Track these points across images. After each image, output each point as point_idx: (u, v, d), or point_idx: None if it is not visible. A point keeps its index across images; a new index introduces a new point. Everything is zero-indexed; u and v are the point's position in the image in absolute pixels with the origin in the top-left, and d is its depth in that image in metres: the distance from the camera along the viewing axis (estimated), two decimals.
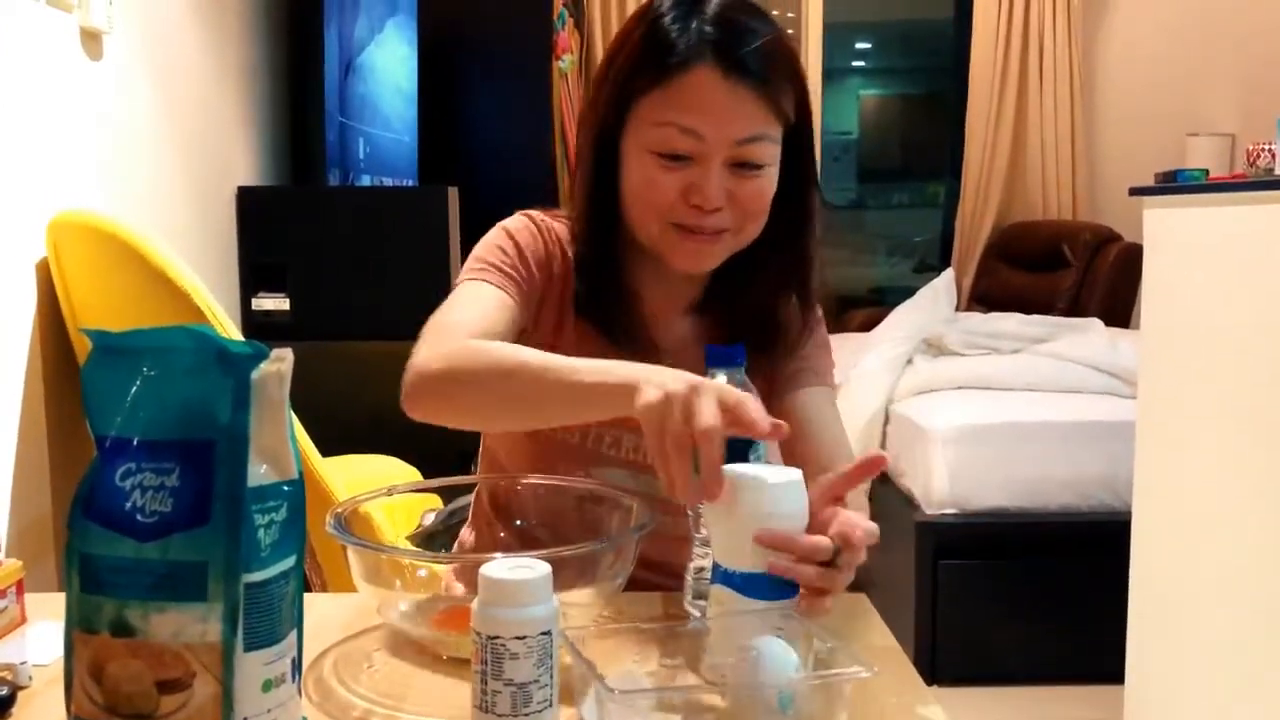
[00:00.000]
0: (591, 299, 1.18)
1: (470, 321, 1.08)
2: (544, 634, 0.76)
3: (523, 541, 1.18)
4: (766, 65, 1.08)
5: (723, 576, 0.87)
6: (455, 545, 1.31)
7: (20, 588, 1.01)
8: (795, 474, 0.88)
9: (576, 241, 1.20)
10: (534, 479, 1.20)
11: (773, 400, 1.22)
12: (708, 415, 0.81)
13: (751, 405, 0.84)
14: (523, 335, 1.16)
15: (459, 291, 1.14)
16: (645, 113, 1.10)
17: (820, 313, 1.29)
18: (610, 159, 1.15)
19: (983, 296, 4.41)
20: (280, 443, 0.74)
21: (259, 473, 0.72)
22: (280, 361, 0.73)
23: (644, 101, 1.10)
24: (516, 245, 1.18)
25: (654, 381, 0.87)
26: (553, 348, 1.08)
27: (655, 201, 1.11)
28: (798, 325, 1.23)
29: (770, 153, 1.11)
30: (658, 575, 1.15)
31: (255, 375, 0.71)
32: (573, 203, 1.22)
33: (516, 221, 1.22)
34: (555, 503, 1.16)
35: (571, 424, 1.14)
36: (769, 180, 1.12)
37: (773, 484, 0.86)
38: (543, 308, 1.19)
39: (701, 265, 1.16)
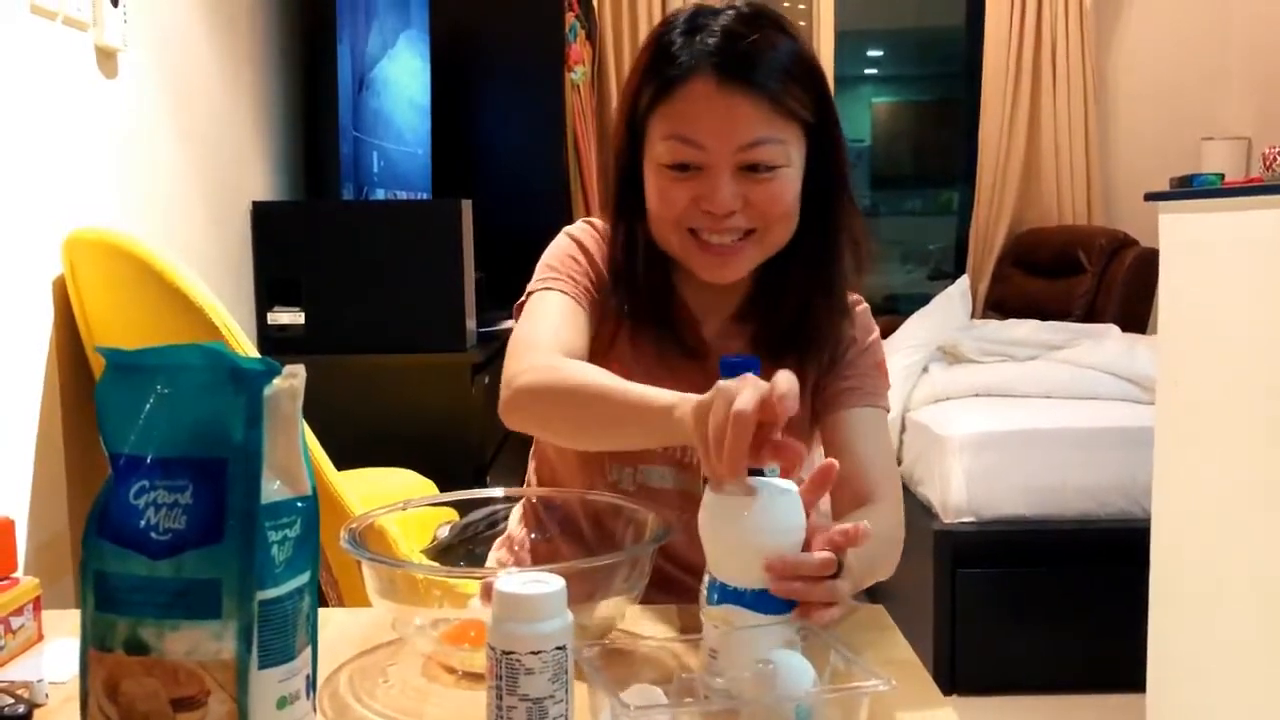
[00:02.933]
0: (643, 309, 1.20)
1: (553, 336, 1.12)
2: (559, 649, 0.76)
3: (570, 543, 1.19)
4: (767, 68, 1.08)
5: (730, 595, 0.85)
6: (504, 539, 1.31)
7: (37, 605, 1.02)
8: (790, 486, 0.87)
9: (616, 256, 1.21)
10: (551, 492, 1.20)
11: (818, 419, 1.21)
12: (742, 400, 0.82)
13: (782, 388, 0.84)
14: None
15: (537, 302, 1.17)
16: (654, 130, 1.12)
17: (877, 333, 1.26)
18: (634, 178, 1.16)
19: (998, 303, 4.39)
20: (293, 459, 0.74)
21: (272, 489, 0.73)
22: (292, 378, 0.73)
23: (653, 119, 1.12)
24: (586, 252, 1.22)
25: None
26: (609, 352, 1.16)
27: (669, 211, 1.13)
28: (838, 337, 1.21)
29: (782, 154, 1.10)
30: (690, 576, 1.15)
31: (268, 392, 0.72)
32: (606, 220, 1.24)
33: (581, 228, 1.25)
34: (585, 511, 1.16)
35: (645, 447, 1.15)
36: (786, 182, 1.12)
37: (768, 497, 0.85)
38: (604, 314, 1.21)
39: (725, 276, 1.16)
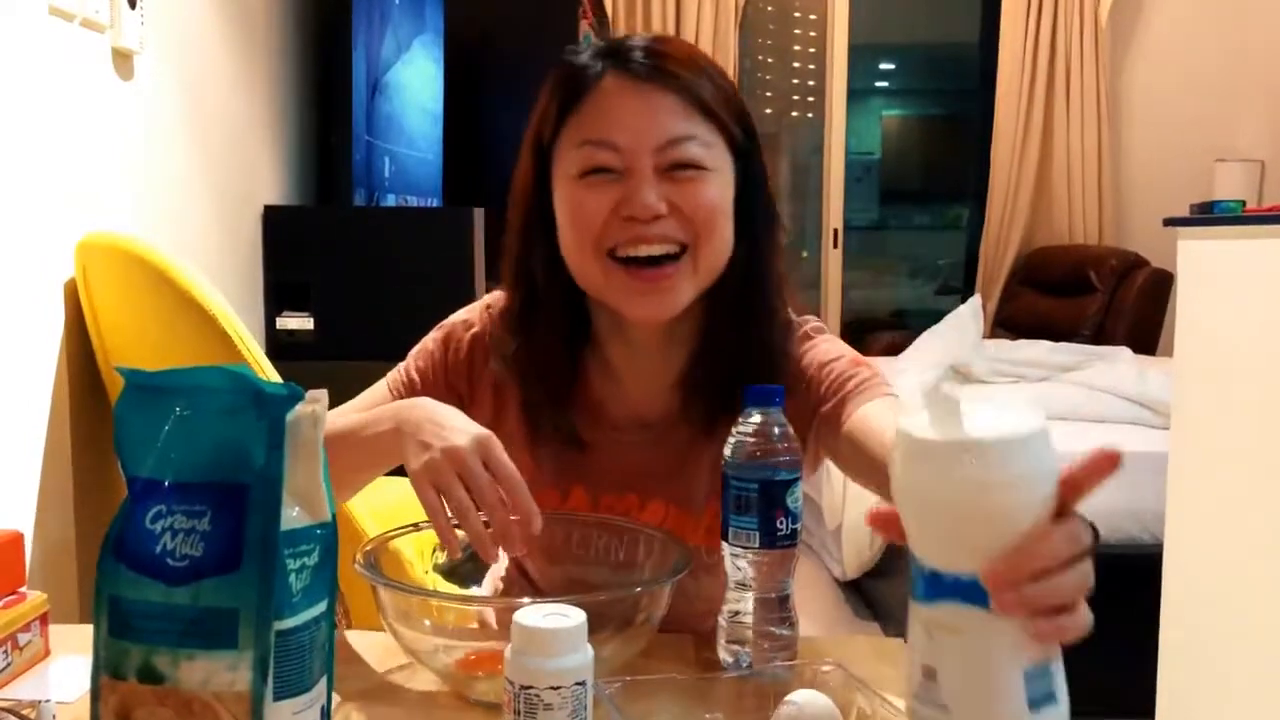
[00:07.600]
0: (551, 385, 1.11)
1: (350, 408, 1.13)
2: (578, 684, 0.74)
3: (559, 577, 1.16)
4: (681, 66, 1.02)
5: (950, 587, 0.60)
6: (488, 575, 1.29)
7: (45, 620, 1.00)
8: (1034, 423, 0.60)
9: (507, 337, 1.13)
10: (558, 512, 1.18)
11: (828, 446, 1.09)
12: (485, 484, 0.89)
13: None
14: None
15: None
16: (564, 148, 1.04)
17: (834, 340, 1.12)
18: (543, 221, 1.07)
19: (1007, 321, 4.38)
20: (314, 485, 0.73)
21: (291, 516, 0.71)
22: (315, 403, 0.72)
23: (562, 138, 1.04)
24: (430, 355, 1.21)
25: (420, 439, 0.92)
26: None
27: (587, 226, 1.01)
28: (783, 368, 1.07)
29: (708, 156, 1.01)
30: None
31: (290, 417, 0.70)
32: (507, 288, 1.14)
33: (466, 313, 1.21)
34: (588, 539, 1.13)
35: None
36: (714, 185, 1.02)
37: (993, 441, 0.59)
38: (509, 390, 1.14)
39: (662, 308, 1.03)
